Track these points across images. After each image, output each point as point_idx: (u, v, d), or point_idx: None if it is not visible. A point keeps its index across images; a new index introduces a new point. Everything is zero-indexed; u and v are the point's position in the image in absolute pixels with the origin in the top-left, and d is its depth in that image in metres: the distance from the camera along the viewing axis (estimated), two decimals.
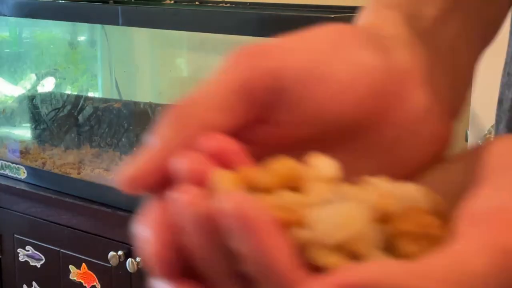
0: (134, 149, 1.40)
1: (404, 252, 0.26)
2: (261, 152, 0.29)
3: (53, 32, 1.59)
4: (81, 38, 1.62)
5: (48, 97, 1.55)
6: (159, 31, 1.39)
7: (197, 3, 1.55)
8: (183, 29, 1.25)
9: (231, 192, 0.25)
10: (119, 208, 1.31)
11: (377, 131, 0.31)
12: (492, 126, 0.99)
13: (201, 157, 0.26)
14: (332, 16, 1.03)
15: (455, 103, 0.35)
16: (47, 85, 1.58)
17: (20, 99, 1.61)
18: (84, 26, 1.57)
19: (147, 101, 1.42)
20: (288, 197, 0.26)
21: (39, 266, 1.44)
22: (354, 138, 0.31)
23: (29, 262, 1.45)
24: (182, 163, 0.26)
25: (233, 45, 1.40)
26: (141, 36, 1.56)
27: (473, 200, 0.26)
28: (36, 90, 1.58)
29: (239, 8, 1.44)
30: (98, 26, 1.55)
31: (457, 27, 0.35)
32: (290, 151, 0.29)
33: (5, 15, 1.47)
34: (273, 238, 0.24)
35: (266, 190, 0.26)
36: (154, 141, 0.27)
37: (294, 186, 0.27)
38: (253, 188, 0.26)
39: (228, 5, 1.49)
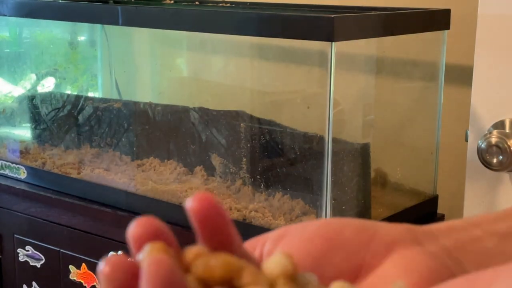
0: (134, 149, 1.40)
1: None
2: None
3: (53, 32, 1.59)
4: (81, 38, 1.62)
5: (48, 97, 1.55)
6: (159, 31, 1.39)
7: (197, 3, 1.55)
8: (183, 29, 1.25)
9: (152, 254, 0.27)
10: (119, 208, 1.31)
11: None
12: (492, 126, 0.99)
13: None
14: (332, 16, 1.02)
15: None
16: (47, 85, 1.57)
17: (20, 99, 1.60)
18: (84, 26, 1.57)
19: (147, 101, 1.42)
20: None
21: (39, 266, 1.44)
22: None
23: (29, 262, 1.45)
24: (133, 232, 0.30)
25: (233, 45, 1.40)
26: (141, 36, 1.56)
27: None
28: (36, 90, 1.58)
29: (239, 8, 1.44)
30: (98, 26, 1.54)
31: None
32: None
33: (5, 15, 1.47)
34: None
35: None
36: None
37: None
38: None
39: (228, 5, 1.49)
